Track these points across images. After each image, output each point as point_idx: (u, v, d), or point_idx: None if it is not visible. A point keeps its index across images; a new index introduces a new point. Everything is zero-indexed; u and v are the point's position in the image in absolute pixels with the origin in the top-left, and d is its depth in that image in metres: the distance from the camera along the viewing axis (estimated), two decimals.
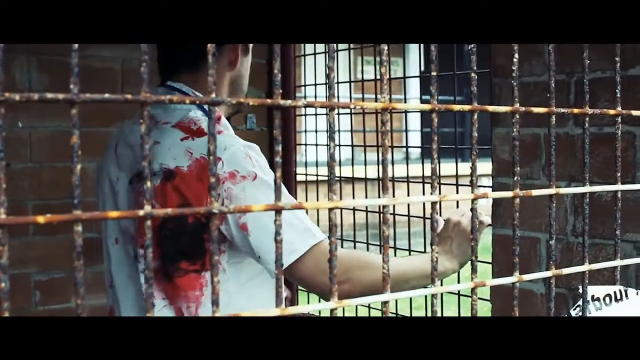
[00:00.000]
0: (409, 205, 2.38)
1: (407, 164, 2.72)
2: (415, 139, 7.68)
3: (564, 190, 0.99)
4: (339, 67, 3.37)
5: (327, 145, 0.73)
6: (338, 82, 3.07)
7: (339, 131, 3.10)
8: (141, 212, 0.66)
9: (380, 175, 0.76)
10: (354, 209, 2.89)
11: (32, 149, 2.85)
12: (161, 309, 1.63)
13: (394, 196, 2.24)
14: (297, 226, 1.57)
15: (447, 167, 2.68)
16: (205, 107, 1.69)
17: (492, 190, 2.12)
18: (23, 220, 0.61)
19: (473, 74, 0.89)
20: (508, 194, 0.93)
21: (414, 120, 8.32)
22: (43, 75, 2.85)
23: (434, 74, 0.85)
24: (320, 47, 3.18)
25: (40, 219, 0.61)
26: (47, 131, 2.86)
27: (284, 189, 1.63)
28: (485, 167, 2.16)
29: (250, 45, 1.83)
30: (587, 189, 1.01)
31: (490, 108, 0.95)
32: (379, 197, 0.80)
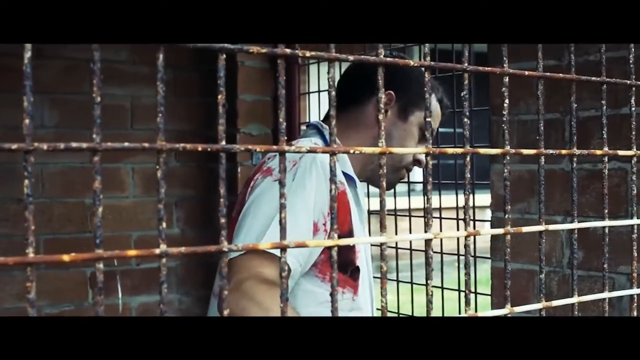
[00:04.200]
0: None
1: (409, 198, 2.78)
2: (418, 170, 7.74)
3: (553, 227, 1.05)
4: None
5: (330, 187, 0.79)
6: None
7: None
8: (157, 251, 0.72)
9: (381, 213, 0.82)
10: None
11: (43, 184, 2.92)
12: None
13: (396, 230, 2.26)
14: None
15: (450, 199, 2.73)
16: (327, 137, 1.60)
17: (491, 225, 2.17)
18: (50, 259, 0.66)
19: (466, 119, 0.95)
20: (499, 230, 0.99)
21: None
22: (54, 112, 2.93)
23: (428, 120, 0.91)
24: (325, 84, 3.25)
25: (66, 258, 0.67)
26: (57, 167, 2.93)
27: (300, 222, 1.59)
28: (488, 199, 2.21)
29: (413, 115, 1.83)
30: (576, 225, 1.07)
31: (482, 151, 1.01)
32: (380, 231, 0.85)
